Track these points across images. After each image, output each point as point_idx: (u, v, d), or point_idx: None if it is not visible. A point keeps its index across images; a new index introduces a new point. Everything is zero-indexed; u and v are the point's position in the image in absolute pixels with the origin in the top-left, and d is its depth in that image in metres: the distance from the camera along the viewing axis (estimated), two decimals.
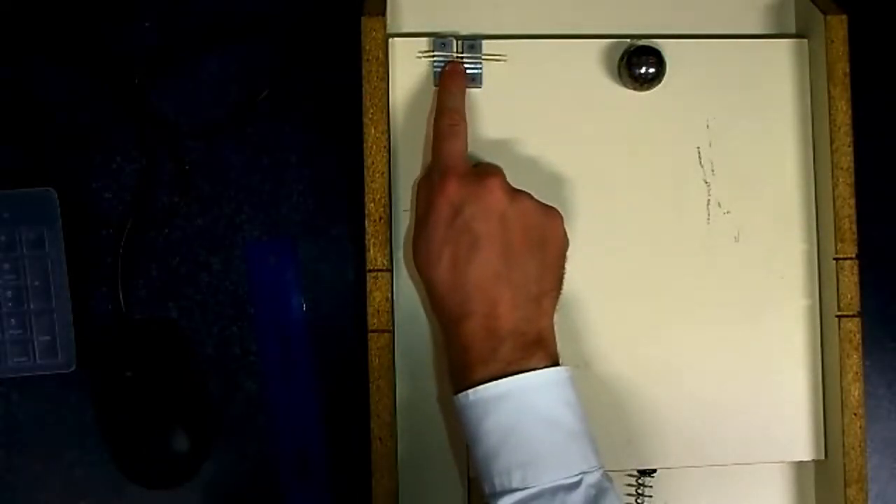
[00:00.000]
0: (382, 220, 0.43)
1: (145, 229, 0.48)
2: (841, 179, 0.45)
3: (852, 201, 0.45)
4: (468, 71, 0.44)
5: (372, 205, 0.43)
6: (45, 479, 0.47)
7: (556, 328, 0.43)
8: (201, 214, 0.49)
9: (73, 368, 0.46)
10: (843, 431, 0.44)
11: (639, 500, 0.47)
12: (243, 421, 0.48)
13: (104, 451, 0.47)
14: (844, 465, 0.44)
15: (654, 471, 0.46)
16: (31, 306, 0.46)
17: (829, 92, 0.45)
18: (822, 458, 0.46)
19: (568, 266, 0.43)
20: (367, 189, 0.43)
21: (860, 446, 0.44)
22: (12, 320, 0.46)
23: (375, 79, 0.43)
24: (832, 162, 0.45)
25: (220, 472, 0.47)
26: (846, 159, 0.45)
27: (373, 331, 0.43)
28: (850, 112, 0.45)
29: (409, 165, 0.45)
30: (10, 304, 0.46)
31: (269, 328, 0.48)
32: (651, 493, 0.47)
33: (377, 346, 0.43)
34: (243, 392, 0.48)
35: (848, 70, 0.45)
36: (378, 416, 0.43)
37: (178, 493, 0.47)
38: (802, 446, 0.46)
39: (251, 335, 0.48)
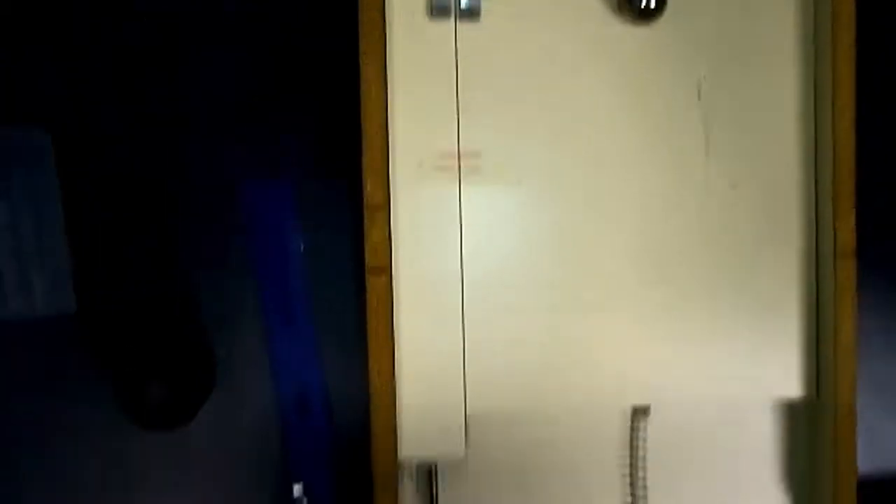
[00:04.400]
0: (380, 157, 0.43)
1: (143, 171, 0.48)
2: (842, 117, 0.45)
3: (853, 140, 0.45)
4: (465, 5, 0.43)
5: (370, 141, 0.43)
6: (47, 420, 0.48)
7: (551, 267, 0.43)
8: (199, 155, 0.48)
9: (73, 311, 0.46)
10: (836, 370, 0.45)
11: (633, 436, 0.48)
12: (243, 362, 0.48)
13: (105, 392, 0.47)
14: (835, 402, 0.45)
15: (649, 408, 0.47)
16: (30, 248, 0.46)
17: (832, 29, 0.44)
18: (814, 396, 0.47)
19: (564, 205, 0.43)
20: (364, 126, 0.43)
21: (851, 385, 0.45)
22: (12, 263, 0.46)
23: (371, 11, 0.42)
24: (833, 100, 0.44)
25: (220, 412, 0.48)
26: (847, 95, 0.44)
27: (371, 268, 0.43)
28: (854, 46, 0.44)
29: (407, 102, 0.44)
30: (9, 247, 0.46)
31: (268, 269, 0.48)
32: (645, 430, 0.48)
33: (375, 283, 0.43)
34: (243, 333, 0.48)
35: (853, 2, 0.44)
36: (377, 353, 0.43)
37: (179, 434, 0.48)
38: (795, 385, 0.47)
39: (250, 276, 0.48)
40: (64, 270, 0.46)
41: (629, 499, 0.48)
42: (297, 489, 0.48)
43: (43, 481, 0.48)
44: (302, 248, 0.48)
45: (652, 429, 0.48)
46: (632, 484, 0.48)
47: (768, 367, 0.47)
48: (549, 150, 0.45)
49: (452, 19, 0.44)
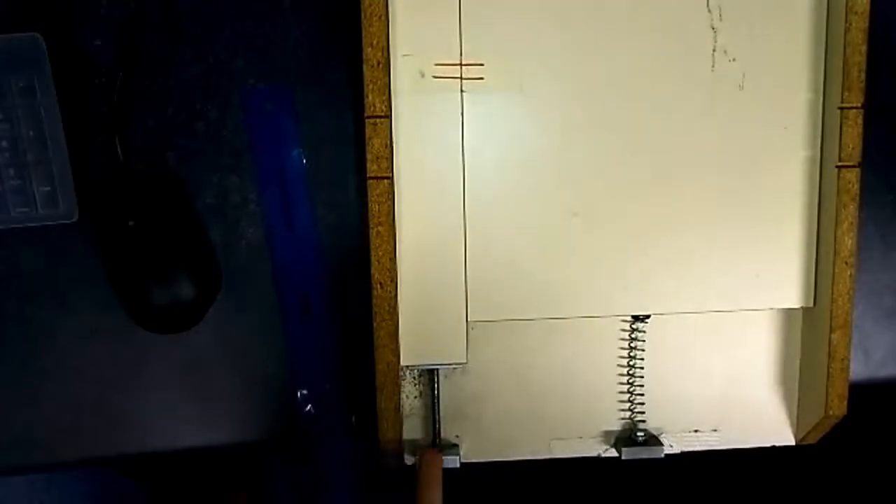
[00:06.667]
0: (381, 66, 0.42)
1: (138, 78, 0.47)
2: (854, 24, 0.43)
3: (864, 48, 0.44)
4: None
5: (370, 49, 0.42)
6: (55, 325, 0.49)
7: (553, 176, 0.43)
8: (195, 62, 0.47)
9: (75, 219, 0.46)
10: (833, 279, 0.45)
11: (632, 345, 0.49)
12: (246, 267, 0.49)
13: (112, 297, 0.48)
14: (831, 311, 0.45)
15: (648, 316, 0.48)
16: (28, 156, 0.45)
17: None
18: (811, 305, 0.47)
19: (566, 112, 0.43)
20: (364, 33, 0.42)
21: (848, 294, 0.45)
22: (10, 171, 0.46)
23: None
24: (846, 5, 0.43)
25: (224, 316, 0.49)
26: (862, 2, 0.43)
27: (372, 178, 0.43)
28: None
29: (408, 8, 0.43)
30: (7, 155, 0.45)
31: (269, 176, 0.48)
32: (644, 338, 0.49)
33: (376, 192, 0.43)
34: (245, 239, 0.48)
35: None
36: (378, 261, 0.44)
37: (185, 337, 0.49)
38: (792, 294, 0.47)
39: (251, 184, 0.48)
40: (65, 178, 0.46)
41: (627, 405, 0.49)
42: (301, 394, 0.50)
43: (46, 384, 0.49)
44: (304, 160, 0.48)
45: (650, 336, 0.49)
46: (630, 391, 0.49)
47: (766, 276, 0.47)
48: (551, 58, 0.44)
49: None
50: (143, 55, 0.47)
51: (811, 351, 0.48)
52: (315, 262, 0.49)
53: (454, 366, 0.47)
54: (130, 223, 0.46)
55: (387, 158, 0.43)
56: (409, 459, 0.48)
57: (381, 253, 0.44)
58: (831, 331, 0.46)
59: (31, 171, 0.46)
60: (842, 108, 0.44)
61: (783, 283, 0.47)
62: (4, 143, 0.45)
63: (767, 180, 0.46)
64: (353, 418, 0.51)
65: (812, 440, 0.49)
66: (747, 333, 0.49)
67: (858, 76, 0.44)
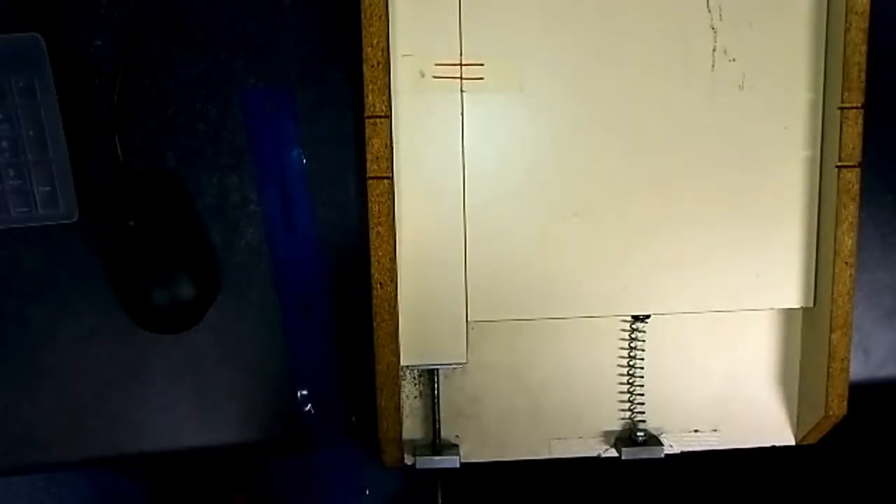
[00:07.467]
0: (381, 66, 0.42)
1: (138, 78, 0.47)
2: (854, 24, 0.43)
3: (864, 48, 0.44)
4: None
5: (370, 49, 0.42)
6: (56, 326, 0.49)
7: (553, 176, 0.43)
8: (195, 62, 0.47)
9: (75, 219, 0.46)
10: (833, 279, 0.45)
11: (632, 345, 0.49)
12: (246, 267, 0.49)
13: (112, 297, 0.48)
14: (831, 311, 0.45)
15: (648, 316, 0.48)
16: (28, 156, 0.45)
17: None
18: (811, 305, 0.47)
19: (566, 112, 0.43)
20: (364, 33, 0.42)
21: (848, 294, 0.45)
22: (10, 171, 0.46)
23: None
24: (846, 5, 0.43)
25: (224, 316, 0.49)
26: (862, 2, 0.43)
27: (372, 177, 0.43)
28: None
29: (408, 8, 0.43)
30: (7, 154, 0.45)
31: (269, 176, 0.48)
32: (644, 338, 0.49)
33: (376, 192, 0.43)
34: (245, 239, 0.48)
35: None
36: (378, 261, 0.44)
37: (184, 337, 0.49)
38: (792, 294, 0.47)
39: (251, 184, 0.48)
40: (65, 178, 0.46)
41: (627, 405, 0.50)
42: (301, 394, 0.50)
43: (46, 384, 0.49)
44: (304, 160, 0.48)
45: (650, 336, 0.49)
46: (630, 391, 0.49)
47: (766, 276, 0.47)
48: (551, 58, 0.44)
49: None
50: (143, 55, 0.47)
51: (811, 351, 0.48)
52: (315, 262, 0.49)
53: (454, 366, 0.47)
54: (130, 223, 0.46)
55: (387, 158, 0.43)
56: (408, 459, 0.48)
57: (381, 253, 0.44)
58: (831, 331, 0.46)
59: (31, 171, 0.46)
60: (842, 108, 0.44)
61: (783, 283, 0.47)
62: (4, 143, 0.45)
63: (767, 180, 0.46)
64: (353, 418, 0.51)
65: (812, 440, 0.49)
66: (747, 333, 0.49)
67: (858, 76, 0.44)
